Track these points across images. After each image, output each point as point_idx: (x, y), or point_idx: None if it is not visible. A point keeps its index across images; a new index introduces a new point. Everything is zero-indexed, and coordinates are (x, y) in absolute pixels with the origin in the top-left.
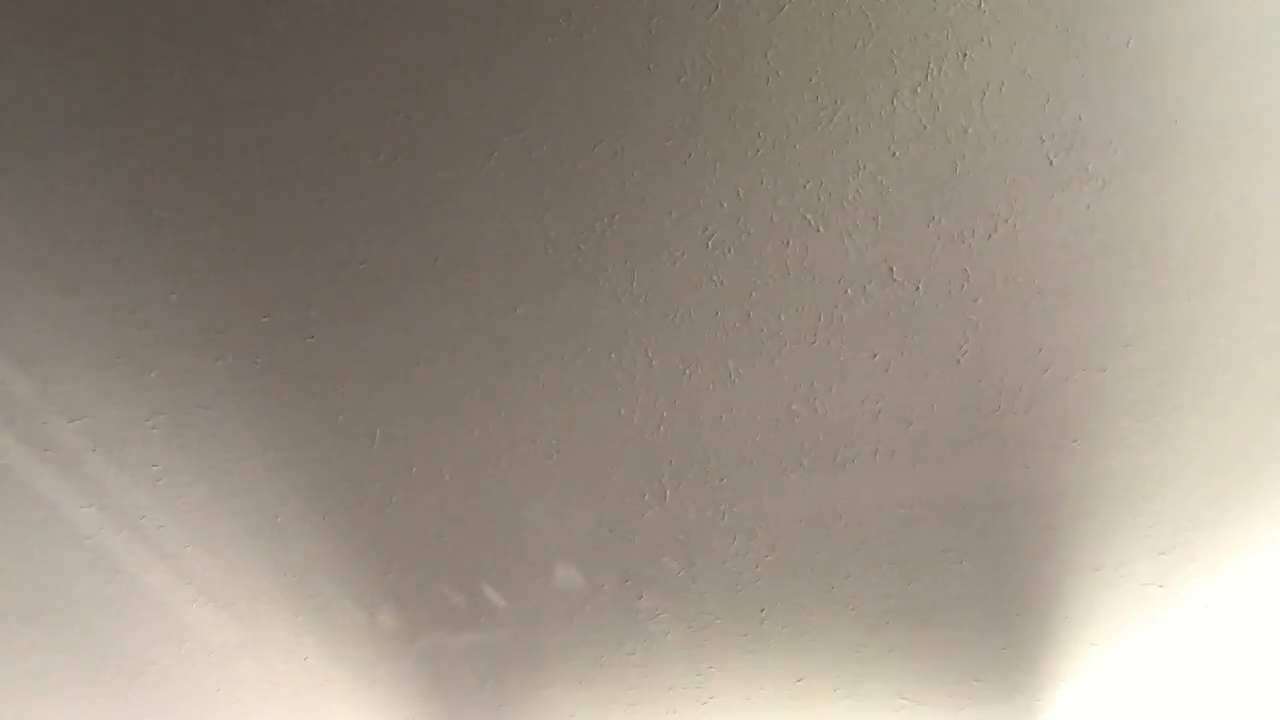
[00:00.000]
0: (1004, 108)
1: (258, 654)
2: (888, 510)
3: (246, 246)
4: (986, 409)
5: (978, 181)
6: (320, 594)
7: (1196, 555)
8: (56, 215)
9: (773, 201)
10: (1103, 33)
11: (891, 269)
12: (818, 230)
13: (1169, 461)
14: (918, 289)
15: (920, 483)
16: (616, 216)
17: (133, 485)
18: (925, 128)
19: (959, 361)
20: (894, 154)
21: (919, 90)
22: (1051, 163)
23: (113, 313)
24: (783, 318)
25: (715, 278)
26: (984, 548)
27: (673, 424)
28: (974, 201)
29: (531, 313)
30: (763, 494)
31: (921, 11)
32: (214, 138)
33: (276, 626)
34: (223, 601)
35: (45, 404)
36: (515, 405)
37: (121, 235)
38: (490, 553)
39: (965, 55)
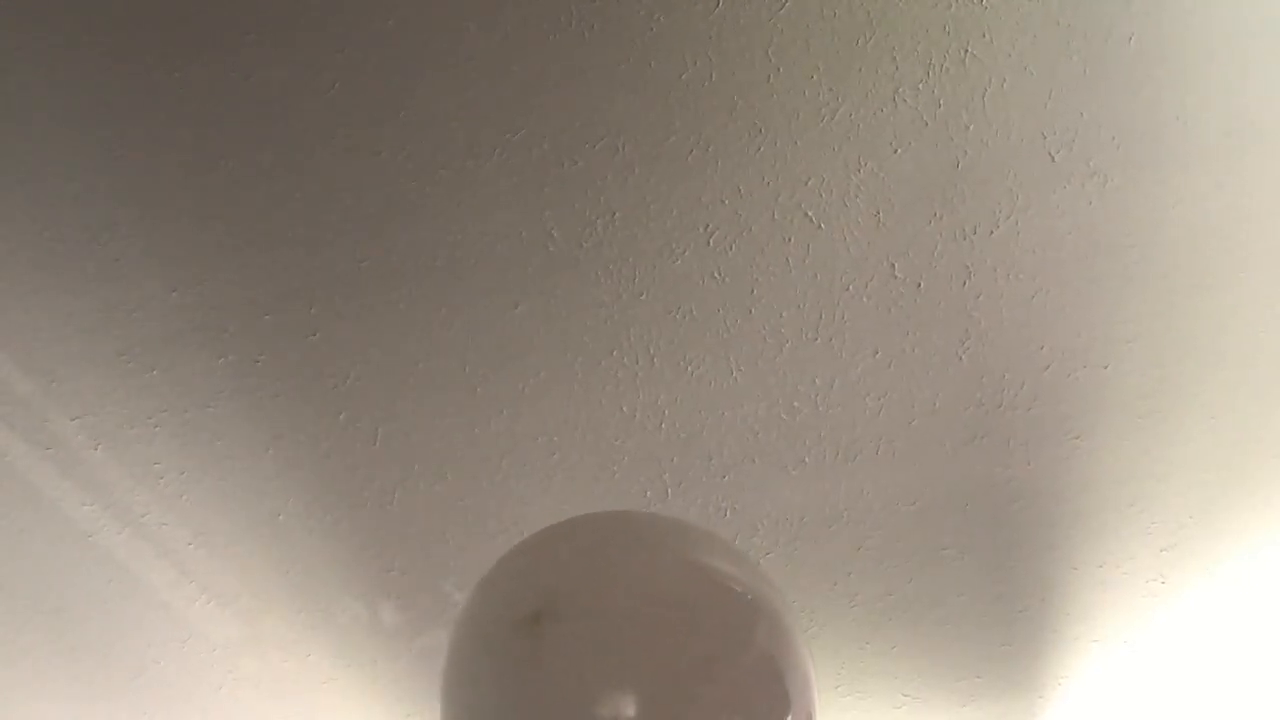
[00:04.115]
0: (1006, 104)
1: (260, 651)
2: (889, 507)
3: (248, 245)
4: (988, 405)
5: (979, 178)
6: (322, 591)
7: (1199, 552)
8: (57, 214)
9: (774, 199)
10: (1105, 29)
11: (893, 266)
12: (819, 227)
13: (1171, 458)
14: (919, 286)
15: (922, 479)
16: (617, 214)
17: (134, 483)
18: (927, 125)
19: (961, 358)
20: (895, 151)
21: (920, 87)
22: (1054, 159)
23: (114, 311)
24: (784, 315)
25: (716, 275)
26: (985, 544)
27: (674, 421)
28: (976, 198)
29: (532, 310)
30: (764, 491)
31: (923, 8)
32: (214, 136)
33: (278, 624)
34: (224, 599)
35: (46, 402)
36: (516, 403)
37: (123, 234)
38: (492, 550)
39: (967, 52)
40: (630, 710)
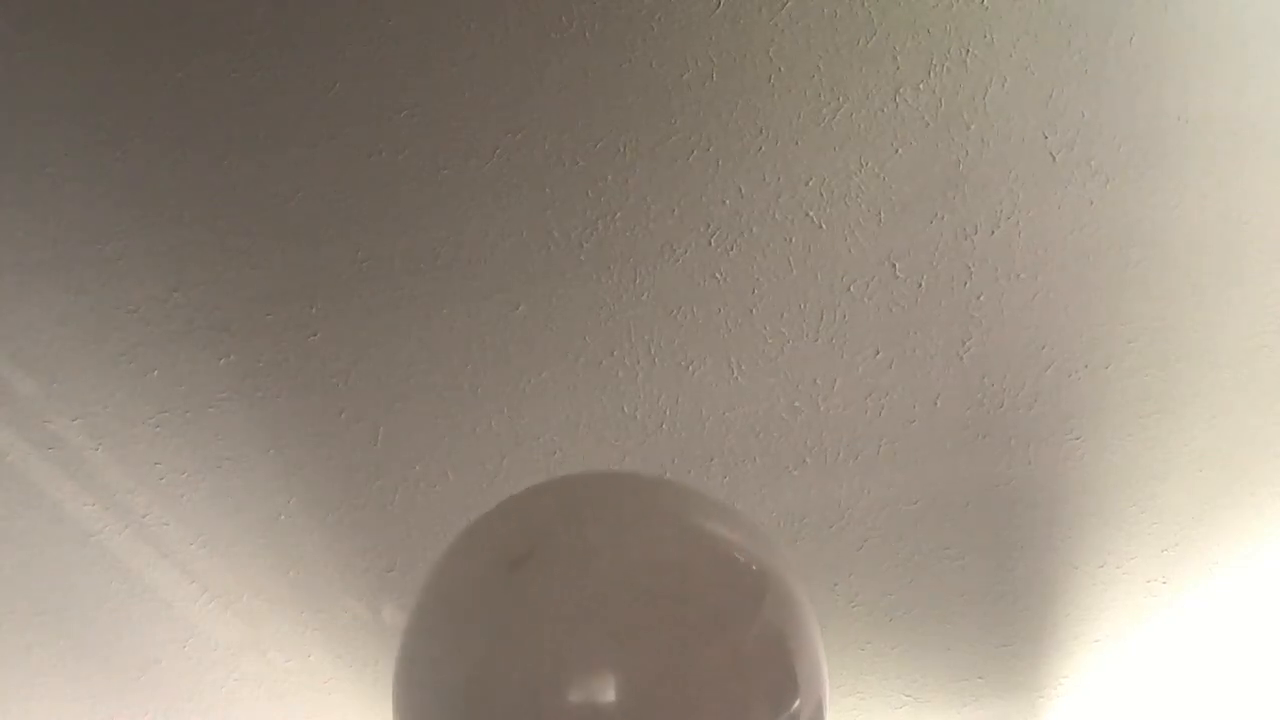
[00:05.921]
0: (1007, 104)
1: (261, 651)
2: (890, 507)
3: (249, 245)
4: (989, 405)
5: (981, 178)
6: (323, 591)
7: (1199, 552)
8: (58, 214)
9: (775, 199)
10: (1105, 29)
11: (894, 266)
12: (820, 227)
13: (1172, 458)
14: (920, 286)
15: (923, 479)
16: (618, 214)
17: (135, 483)
18: (928, 124)
19: (961, 358)
20: (897, 151)
21: (921, 87)
22: (1054, 159)
23: (115, 311)
24: (785, 315)
25: (718, 275)
26: (986, 544)
27: (675, 421)
28: (977, 198)
29: (534, 311)
30: (765, 491)
31: (924, 8)
32: (215, 135)
33: (280, 624)
34: (226, 599)
35: (47, 402)
36: (517, 403)
37: (123, 233)
38: None
39: (968, 52)
40: (613, 670)
